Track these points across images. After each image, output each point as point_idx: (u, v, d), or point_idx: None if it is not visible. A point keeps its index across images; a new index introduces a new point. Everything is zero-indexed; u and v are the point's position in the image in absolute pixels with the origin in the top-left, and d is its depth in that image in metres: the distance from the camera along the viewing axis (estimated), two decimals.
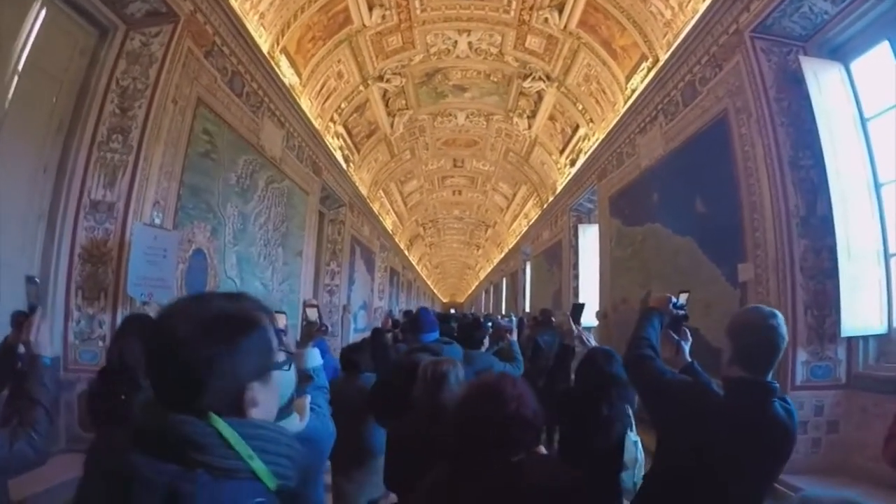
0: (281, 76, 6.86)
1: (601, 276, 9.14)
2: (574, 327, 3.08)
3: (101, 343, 4.26)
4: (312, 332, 2.15)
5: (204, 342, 0.77)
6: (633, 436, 2.37)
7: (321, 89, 8.40)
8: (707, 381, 1.85)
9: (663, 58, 6.65)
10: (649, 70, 7.11)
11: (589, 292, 10.85)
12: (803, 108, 4.65)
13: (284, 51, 6.98)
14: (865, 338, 4.20)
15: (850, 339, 4.20)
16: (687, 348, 2.06)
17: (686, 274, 6.14)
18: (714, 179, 5.59)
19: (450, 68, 9.89)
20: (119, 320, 4.28)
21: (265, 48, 6.39)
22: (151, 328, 0.85)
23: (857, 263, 4.13)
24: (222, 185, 5.68)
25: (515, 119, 11.50)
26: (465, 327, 3.80)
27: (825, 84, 4.52)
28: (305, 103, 7.97)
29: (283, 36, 6.76)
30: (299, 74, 7.53)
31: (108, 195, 4.43)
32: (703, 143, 5.86)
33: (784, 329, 1.61)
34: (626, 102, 7.87)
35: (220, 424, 0.76)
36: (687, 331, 2.13)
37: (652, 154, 7.14)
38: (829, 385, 4.23)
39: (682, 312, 2.10)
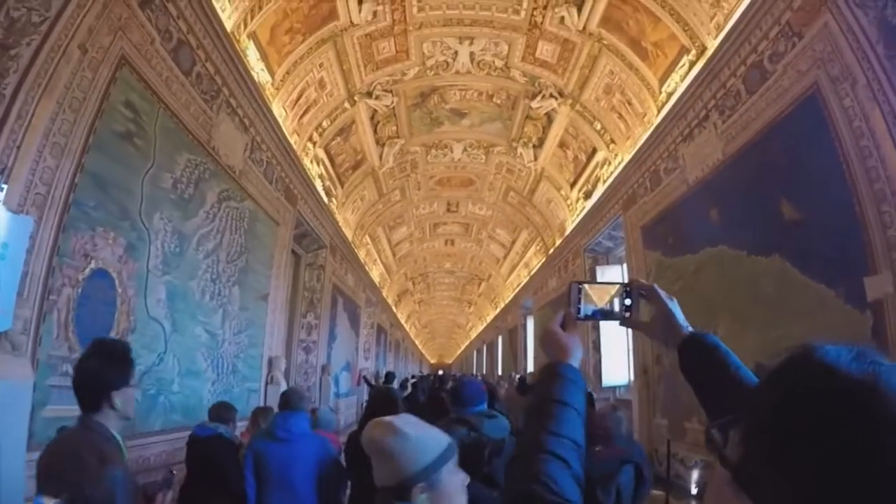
0: (248, 67, 5.50)
1: None
2: None
3: None
4: None
5: None
6: None
7: (299, 98, 7.07)
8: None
9: (713, 44, 5.52)
10: (692, 64, 5.95)
11: (614, 345, 9.24)
12: None
13: (254, 37, 5.66)
14: None
15: None
16: (677, 308, 1.01)
17: (774, 303, 4.69)
18: (808, 173, 4.38)
19: (448, 87, 8.74)
20: None
21: (228, 25, 5.06)
22: None
23: None
24: (149, 185, 4.10)
25: (520, 149, 10.28)
26: None
27: None
28: (278, 111, 6.60)
29: (252, 18, 5.47)
30: (271, 72, 6.19)
31: None
32: (784, 132, 4.66)
33: None
34: (660, 110, 6.65)
35: None
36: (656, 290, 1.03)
37: (704, 162, 5.81)
38: None
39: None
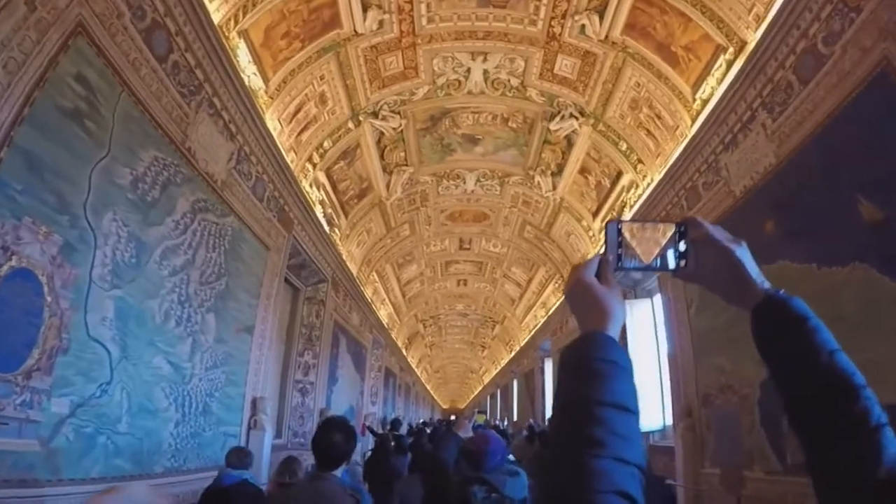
0: (237, 67, 4.99)
1: (676, 358, 6.57)
2: None
3: None
4: None
5: None
6: None
7: (296, 112, 6.56)
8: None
9: (754, 37, 4.91)
10: (730, 64, 5.32)
11: (647, 384, 8.18)
12: None
13: (245, 36, 5.18)
14: None
15: None
16: (748, 256, 0.70)
17: (856, 321, 3.75)
18: (888, 163, 3.61)
19: (460, 110, 8.23)
20: None
21: (216, 17, 4.58)
22: None
23: None
24: (100, 177, 3.46)
25: (537, 178, 9.62)
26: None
27: None
28: (273, 123, 6.06)
29: (244, 14, 5.00)
30: (265, 78, 5.69)
31: None
32: (852, 120, 3.96)
33: None
34: (695, 119, 5.98)
35: None
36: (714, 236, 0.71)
37: (754, 169, 5.06)
38: None
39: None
